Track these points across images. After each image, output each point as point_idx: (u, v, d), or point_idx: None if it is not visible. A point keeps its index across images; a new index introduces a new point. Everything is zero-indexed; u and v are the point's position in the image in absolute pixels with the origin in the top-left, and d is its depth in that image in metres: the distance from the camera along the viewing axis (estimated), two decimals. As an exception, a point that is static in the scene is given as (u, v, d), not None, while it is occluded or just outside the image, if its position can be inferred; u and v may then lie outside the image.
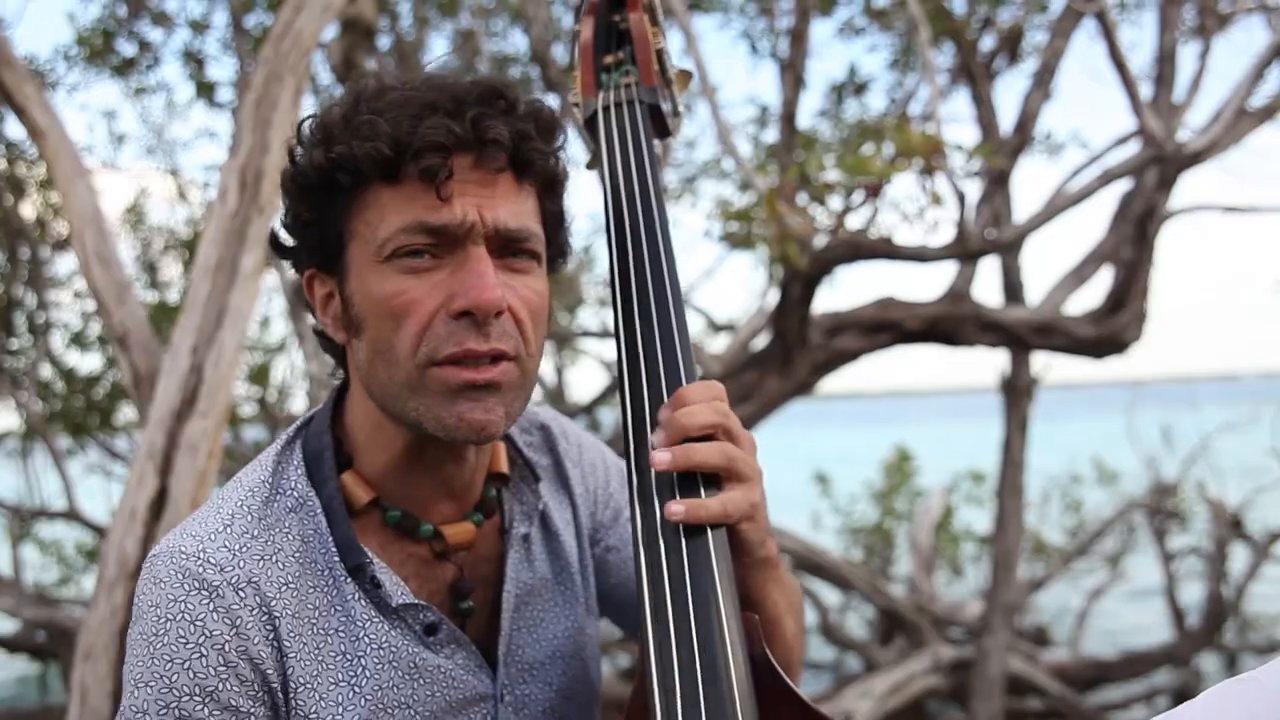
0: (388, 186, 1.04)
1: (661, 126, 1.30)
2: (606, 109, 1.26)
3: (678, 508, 0.99)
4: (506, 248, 1.07)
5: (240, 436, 7.67)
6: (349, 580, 1.09)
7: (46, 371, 7.43)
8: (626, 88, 1.27)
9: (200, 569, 1.04)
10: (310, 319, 1.22)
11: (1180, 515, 9.02)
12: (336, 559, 1.09)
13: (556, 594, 1.26)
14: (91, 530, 7.59)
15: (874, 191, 3.75)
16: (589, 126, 1.28)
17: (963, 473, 10.33)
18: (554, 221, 1.15)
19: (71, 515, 7.46)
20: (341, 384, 1.20)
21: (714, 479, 1.03)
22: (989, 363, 6.21)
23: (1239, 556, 8.23)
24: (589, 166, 1.37)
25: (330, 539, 1.09)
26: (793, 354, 4.72)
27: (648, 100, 1.26)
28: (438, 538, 1.15)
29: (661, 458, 1.01)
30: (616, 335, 1.13)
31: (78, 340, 7.24)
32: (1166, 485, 9.01)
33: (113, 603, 3.04)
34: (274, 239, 1.17)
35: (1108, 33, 3.70)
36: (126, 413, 7.08)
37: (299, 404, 7.57)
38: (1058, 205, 4.17)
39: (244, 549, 1.06)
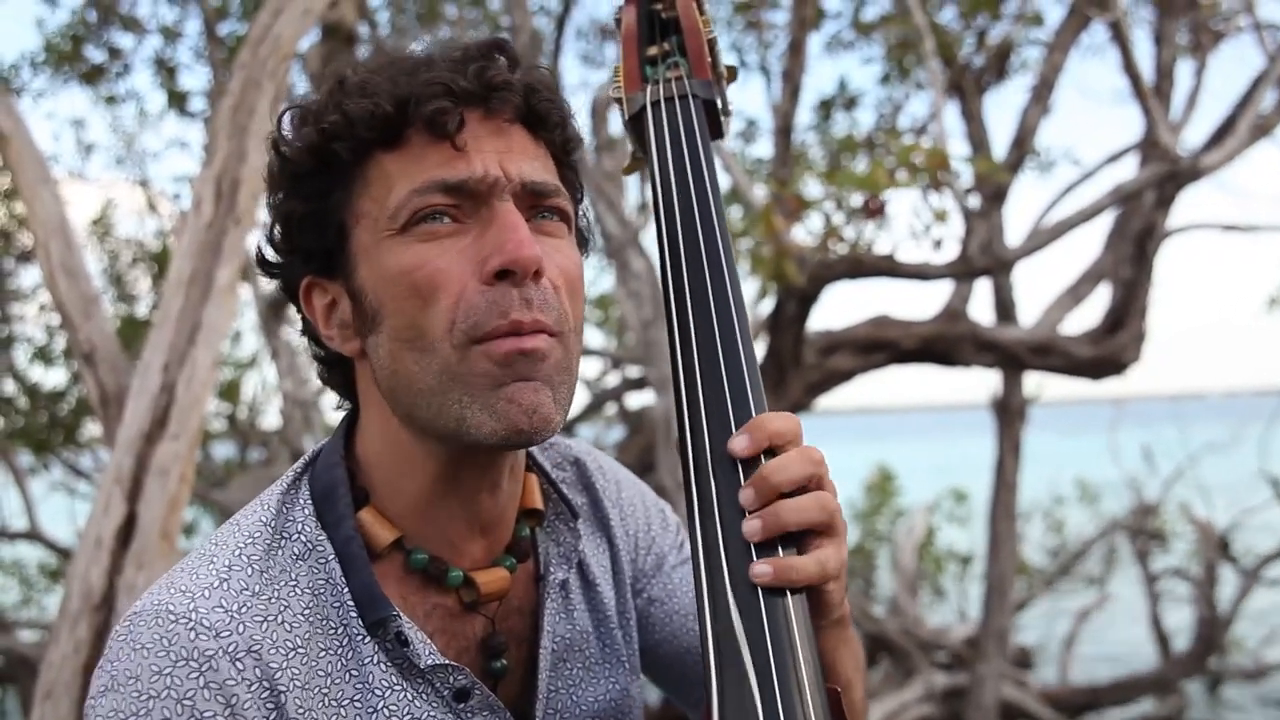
0: (390, 152, 0.93)
1: (715, 126, 1.15)
2: (656, 104, 1.11)
3: (764, 568, 0.86)
4: (535, 206, 0.95)
5: (210, 454, 7.48)
6: (367, 639, 0.93)
7: (9, 387, 7.23)
8: (677, 81, 1.13)
9: (191, 634, 0.87)
10: (303, 341, 1.06)
11: (1162, 536, 8.96)
12: (353, 614, 0.93)
13: (597, 650, 1.11)
14: (54, 551, 7.38)
15: (877, 210, 3.61)
16: (634, 124, 1.13)
17: (944, 491, 10.25)
18: (574, 190, 1.03)
19: (33, 535, 7.27)
20: (351, 412, 1.04)
21: (796, 532, 0.89)
22: (971, 379, 6.12)
23: (1226, 580, 8.17)
24: (626, 171, 1.22)
25: (345, 590, 0.94)
26: (787, 374, 4.59)
27: (703, 95, 1.12)
28: (468, 586, 1.00)
29: (751, 526, 0.87)
30: (673, 361, 0.98)
31: (42, 355, 7.07)
32: (1149, 505, 8.96)
33: (76, 637, 2.87)
34: (260, 257, 1.02)
35: (1122, 42, 3.59)
36: (91, 429, 6.89)
37: (271, 421, 7.40)
38: (1067, 222, 4.07)
39: (244, 609, 0.90)
